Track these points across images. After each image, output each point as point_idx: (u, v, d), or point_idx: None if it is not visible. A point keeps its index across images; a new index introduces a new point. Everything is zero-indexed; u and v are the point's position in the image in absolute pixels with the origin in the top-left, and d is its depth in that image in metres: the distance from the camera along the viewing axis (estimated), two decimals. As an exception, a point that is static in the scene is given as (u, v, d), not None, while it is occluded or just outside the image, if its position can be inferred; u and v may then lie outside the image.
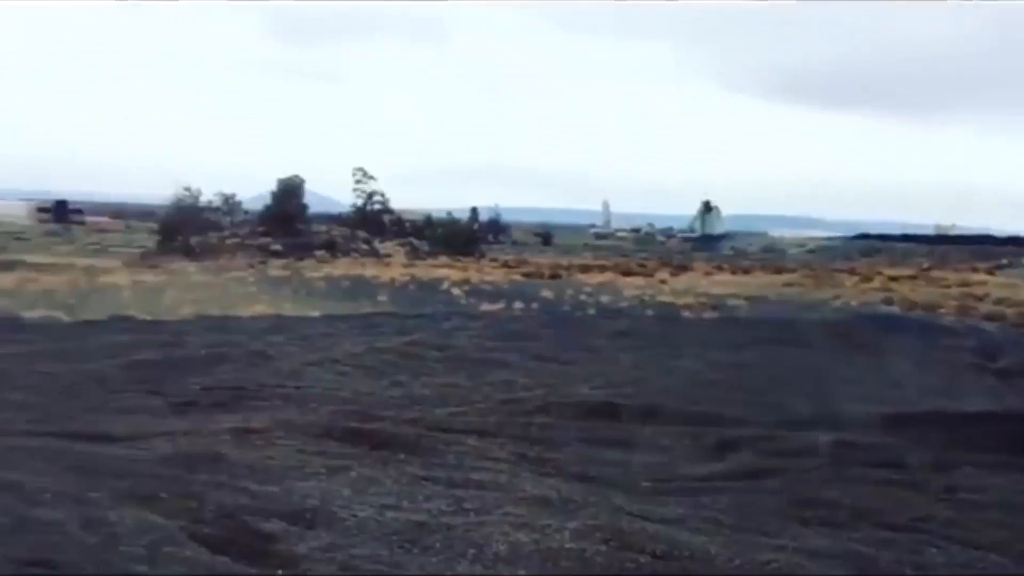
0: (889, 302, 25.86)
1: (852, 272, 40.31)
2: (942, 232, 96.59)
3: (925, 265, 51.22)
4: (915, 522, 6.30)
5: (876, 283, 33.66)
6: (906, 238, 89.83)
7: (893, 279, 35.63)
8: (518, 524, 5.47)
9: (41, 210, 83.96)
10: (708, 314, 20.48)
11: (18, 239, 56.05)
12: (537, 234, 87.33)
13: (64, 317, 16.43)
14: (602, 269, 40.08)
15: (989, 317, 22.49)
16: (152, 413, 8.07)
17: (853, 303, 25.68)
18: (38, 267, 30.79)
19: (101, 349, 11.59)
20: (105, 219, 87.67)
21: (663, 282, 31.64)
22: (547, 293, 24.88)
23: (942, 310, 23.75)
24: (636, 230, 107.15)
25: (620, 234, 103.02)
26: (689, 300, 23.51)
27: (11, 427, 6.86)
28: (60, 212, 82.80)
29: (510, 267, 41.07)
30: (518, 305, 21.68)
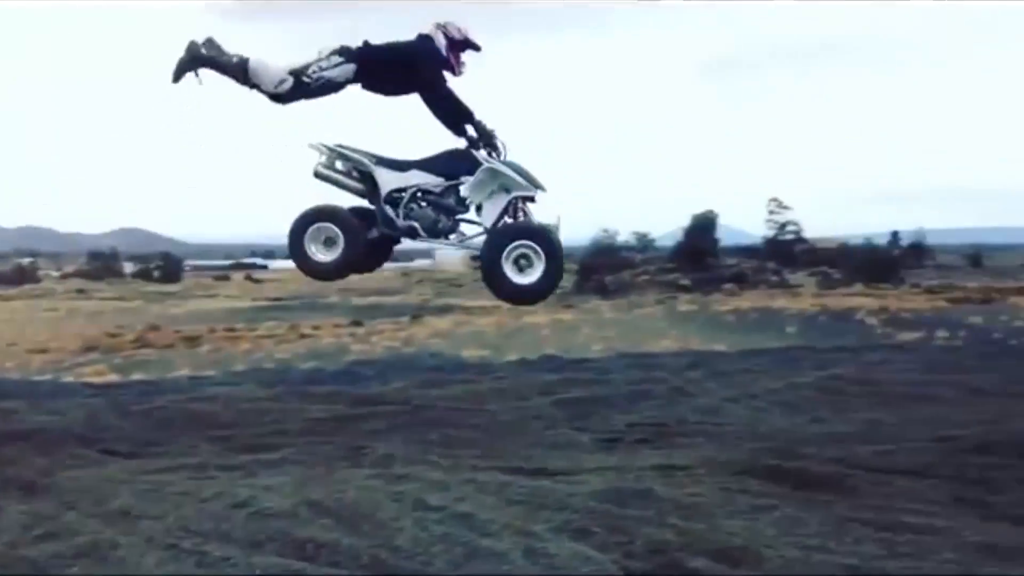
0: None
1: None
2: None
3: None
4: None
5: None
6: None
7: None
8: (960, 572, 5.19)
9: (474, 258, 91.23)
10: None
11: (453, 285, 62.20)
12: (965, 256, 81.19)
13: (492, 356, 17.82)
14: (1043, 291, 36.24)
15: None
16: (582, 448, 8.51)
17: None
18: (469, 310, 33.50)
19: (532, 387, 12.40)
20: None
21: (1122, 303, 28.09)
22: (976, 319, 23.12)
23: None
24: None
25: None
26: None
27: (462, 462, 7.53)
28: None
29: (934, 293, 38.47)
30: (942, 333, 20.41)
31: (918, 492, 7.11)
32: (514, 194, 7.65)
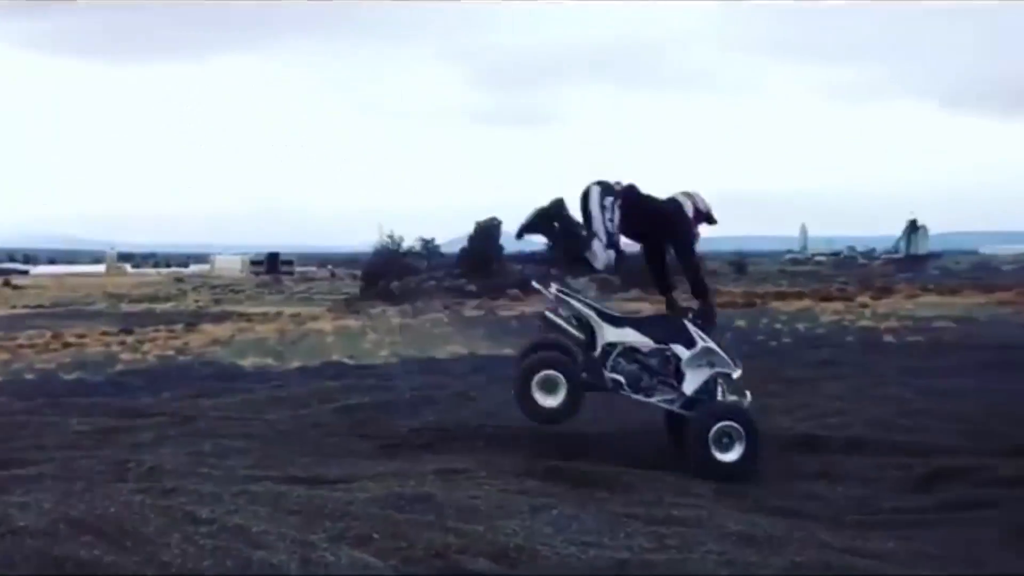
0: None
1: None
2: None
3: None
4: None
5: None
6: None
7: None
8: (721, 561, 5.44)
9: (255, 263, 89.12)
10: (913, 338, 19.62)
11: (233, 291, 60.19)
12: (730, 263, 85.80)
13: (274, 363, 17.39)
14: (799, 295, 38.48)
15: None
16: (363, 455, 8.41)
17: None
18: (250, 317, 32.43)
19: (313, 395, 12.15)
20: (313, 269, 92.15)
21: (864, 306, 30.05)
22: (741, 322, 24.35)
23: None
24: (835, 253, 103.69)
25: (818, 258, 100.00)
26: (892, 324, 22.51)
27: (235, 473, 7.27)
28: (272, 264, 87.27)
29: (704, 297, 40.29)
30: (710, 336, 21.39)
31: (685, 487, 7.47)
32: (717, 369, 8.30)
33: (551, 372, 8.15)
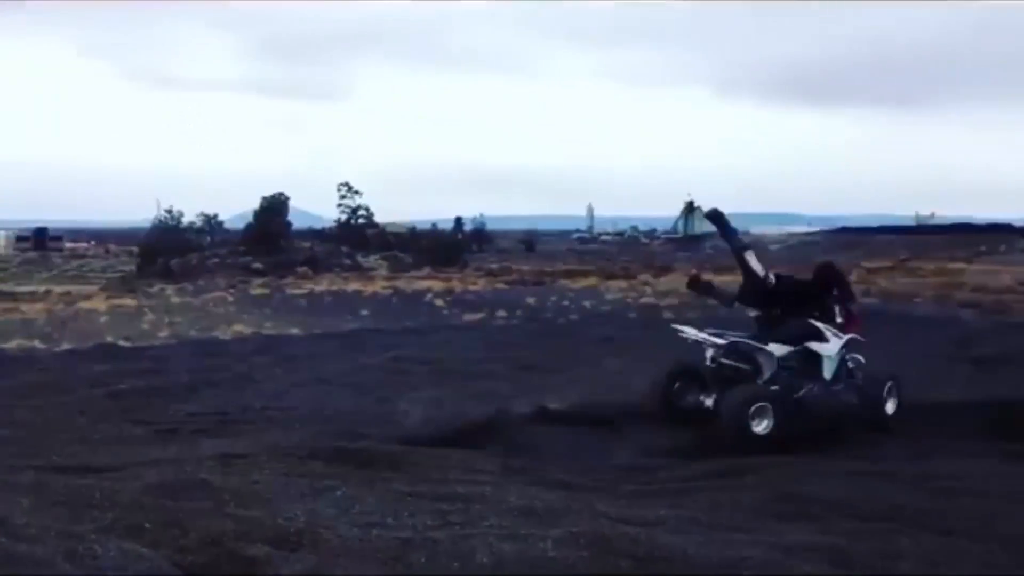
0: (867, 294, 26.21)
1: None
2: (921, 222, 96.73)
3: (903, 256, 51.77)
4: (889, 512, 6.51)
5: (854, 276, 34.00)
6: (885, 230, 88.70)
7: (871, 271, 36.48)
8: (502, 535, 5.53)
9: (20, 239, 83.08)
10: (691, 314, 20.62)
11: (-5, 268, 56.03)
12: (521, 241, 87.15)
13: (42, 346, 16.40)
14: (585, 274, 40.00)
15: (966, 305, 23.15)
16: (136, 442, 8.04)
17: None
18: (15, 296, 30.38)
19: (83, 379, 11.51)
20: (84, 245, 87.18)
21: (646, 284, 31.62)
22: (531, 300, 24.94)
23: (918, 300, 24.15)
24: (620, 233, 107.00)
25: (604, 238, 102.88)
26: (672, 301, 23.57)
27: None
28: (39, 240, 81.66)
29: (494, 275, 41.16)
30: (501, 314, 21.72)
31: (472, 463, 7.56)
32: (843, 353, 9.29)
33: (763, 404, 8.70)
